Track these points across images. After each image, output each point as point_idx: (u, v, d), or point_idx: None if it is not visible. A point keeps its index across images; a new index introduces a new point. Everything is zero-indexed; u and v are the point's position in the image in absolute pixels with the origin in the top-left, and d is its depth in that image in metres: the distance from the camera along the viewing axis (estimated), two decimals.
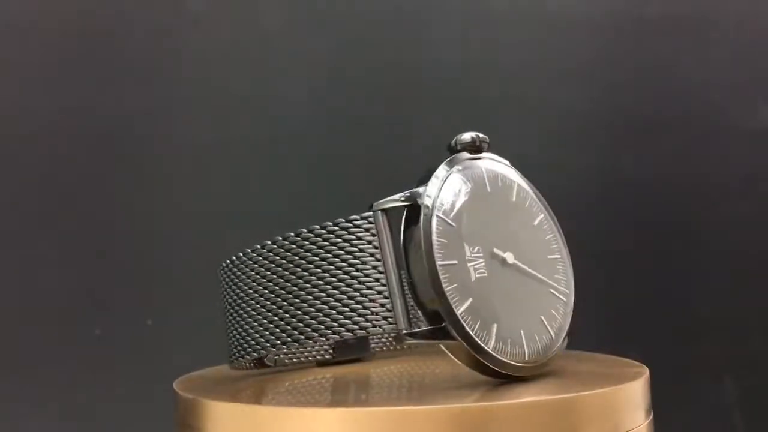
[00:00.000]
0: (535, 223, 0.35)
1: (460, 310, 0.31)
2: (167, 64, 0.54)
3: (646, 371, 0.33)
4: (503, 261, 0.32)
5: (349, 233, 0.32)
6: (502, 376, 0.31)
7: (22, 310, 0.52)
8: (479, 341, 0.31)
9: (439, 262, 0.31)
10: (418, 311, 0.31)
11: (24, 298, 0.52)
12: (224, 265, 0.35)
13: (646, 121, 0.56)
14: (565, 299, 0.34)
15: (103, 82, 0.53)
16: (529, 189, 0.35)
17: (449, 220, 0.32)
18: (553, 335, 0.33)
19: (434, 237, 0.31)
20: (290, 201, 0.54)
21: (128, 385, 0.52)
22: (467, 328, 0.31)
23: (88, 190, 0.53)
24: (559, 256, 0.35)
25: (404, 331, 0.31)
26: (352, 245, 0.31)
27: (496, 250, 0.32)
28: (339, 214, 0.32)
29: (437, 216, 0.31)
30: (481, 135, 0.34)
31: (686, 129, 0.56)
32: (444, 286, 0.30)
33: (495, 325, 0.31)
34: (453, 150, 0.34)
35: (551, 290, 0.34)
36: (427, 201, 0.31)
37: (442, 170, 0.33)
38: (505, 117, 0.55)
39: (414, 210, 0.31)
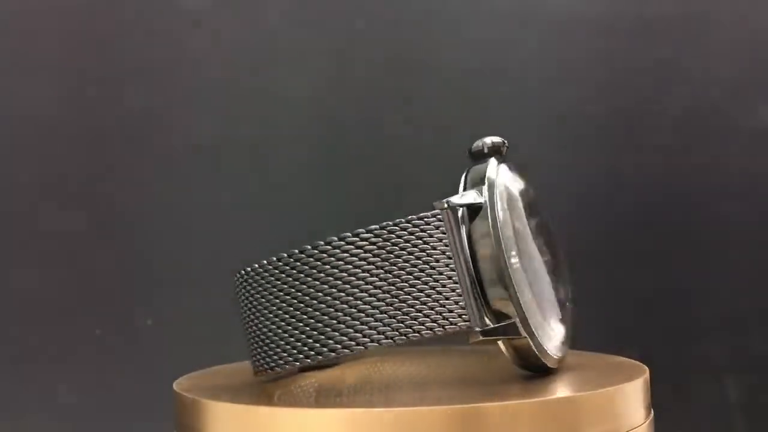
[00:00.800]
0: (541, 225, 0.35)
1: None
2: (167, 64, 0.54)
3: (646, 371, 0.33)
4: (530, 261, 0.33)
5: (421, 230, 0.31)
6: (543, 370, 0.32)
7: (22, 310, 0.52)
8: (539, 337, 0.31)
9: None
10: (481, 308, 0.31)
11: (24, 298, 0.52)
12: (244, 272, 0.33)
13: (646, 121, 0.56)
14: (567, 297, 0.35)
15: (103, 82, 0.53)
16: (529, 192, 0.35)
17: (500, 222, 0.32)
18: (565, 332, 0.34)
19: (501, 236, 0.31)
20: (290, 201, 0.54)
21: (128, 385, 0.52)
22: (531, 324, 0.31)
23: (88, 190, 0.53)
24: (559, 257, 0.35)
25: (478, 329, 0.31)
26: (425, 242, 0.31)
27: (528, 250, 0.33)
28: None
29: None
30: (505, 140, 0.34)
31: (686, 129, 0.56)
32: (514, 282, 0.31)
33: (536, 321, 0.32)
34: (480, 153, 0.33)
35: (560, 289, 0.35)
36: (488, 202, 0.31)
37: (491, 173, 0.32)
38: (505, 117, 0.55)
39: (474, 210, 0.31)
